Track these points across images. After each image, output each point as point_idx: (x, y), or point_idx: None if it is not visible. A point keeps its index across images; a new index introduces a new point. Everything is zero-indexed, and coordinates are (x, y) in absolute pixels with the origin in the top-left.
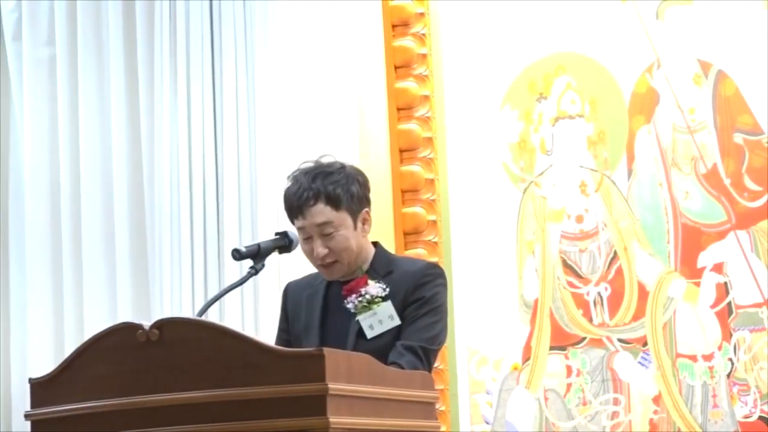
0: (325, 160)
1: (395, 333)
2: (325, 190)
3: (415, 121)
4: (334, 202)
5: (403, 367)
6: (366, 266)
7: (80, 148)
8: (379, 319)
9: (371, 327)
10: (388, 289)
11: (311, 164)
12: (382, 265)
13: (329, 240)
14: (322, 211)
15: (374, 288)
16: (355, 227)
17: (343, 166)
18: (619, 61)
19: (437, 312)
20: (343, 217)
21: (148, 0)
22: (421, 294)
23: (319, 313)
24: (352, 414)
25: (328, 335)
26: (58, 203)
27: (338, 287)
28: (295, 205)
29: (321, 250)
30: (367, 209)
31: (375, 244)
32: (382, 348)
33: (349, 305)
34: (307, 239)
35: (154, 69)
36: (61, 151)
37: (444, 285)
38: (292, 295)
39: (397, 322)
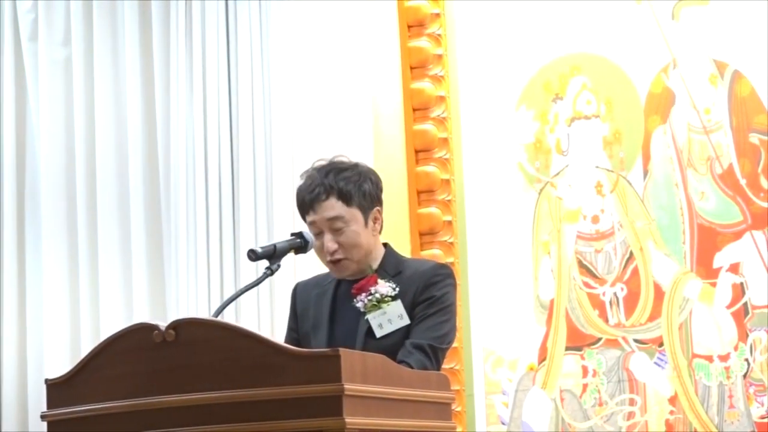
0: (338, 159)
1: (404, 332)
2: (337, 186)
3: (431, 122)
4: (346, 198)
5: (411, 366)
6: (376, 266)
7: (96, 148)
8: (389, 318)
9: (380, 326)
10: (397, 289)
11: (324, 162)
12: (392, 266)
13: (339, 235)
14: (333, 206)
15: (384, 287)
16: (366, 224)
17: (356, 164)
18: (634, 62)
19: (446, 311)
20: (354, 213)
21: (164, 0)
22: (430, 293)
23: (327, 312)
24: (368, 414)
25: (337, 334)
26: (74, 203)
27: (347, 287)
28: (307, 199)
29: (331, 244)
30: (378, 208)
31: (385, 245)
32: (392, 347)
33: (359, 304)
34: (318, 234)
35: (170, 69)
36: (77, 151)
37: (453, 285)
38: (301, 294)
39: (406, 321)
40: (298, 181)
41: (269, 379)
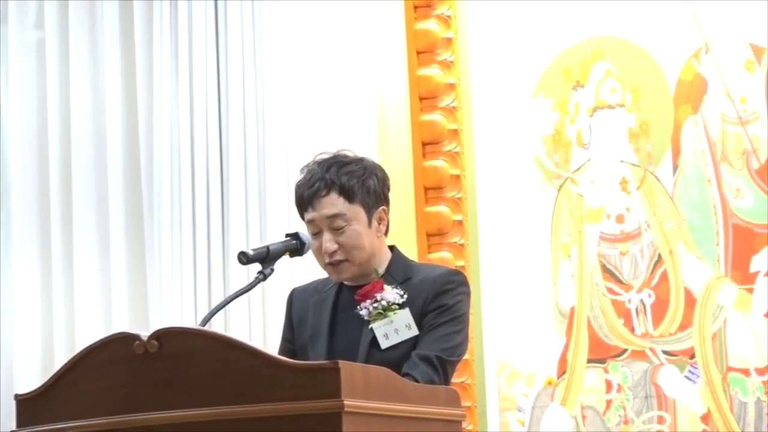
0: (342, 153)
1: (412, 344)
2: (339, 181)
3: (440, 112)
4: (348, 194)
5: (416, 379)
6: (381, 270)
7: (71, 141)
8: (395, 328)
9: (386, 336)
10: (406, 296)
11: (327, 155)
12: (400, 271)
13: (339, 234)
14: (333, 203)
15: (391, 294)
16: (369, 224)
17: (361, 159)
18: (663, 46)
19: (458, 321)
20: (357, 211)
21: None
22: (442, 302)
23: (327, 320)
24: None
25: (337, 345)
26: (47, 201)
27: (350, 294)
28: (306, 195)
29: (330, 245)
30: (384, 207)
31: (392, 248)
32: (397, 360)
33: (363, 312)
34: (317, 234)
35: (153, 53)
36: (50, 144)
37: (467, 294)
38: (298, 301)
39: (414, 332)
40: (295, 177)
41: (262, 395)
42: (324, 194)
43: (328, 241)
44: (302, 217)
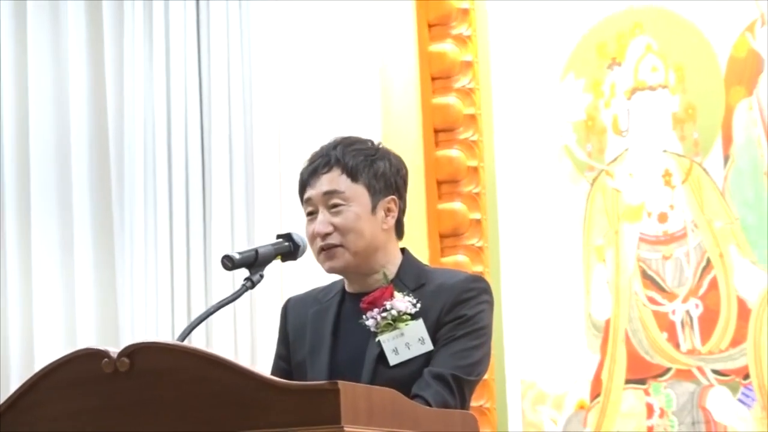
0: (357, 136)
1: (425, 361)
2: (343, 158)
3: (454, 94)
4: (351, 172)
5: (428, 402)
6: (390, 274)
7: (29, 131)
8: (406, 341)
9: (395, 351)
10: (419, 305)
11: (339, 137)
12: (412, 276)
13: (335, 215)
14: (333, 179)
15: (402, 302)
16: (373, 211)
17: (374, 141)
18: (712, 18)
19: (479, 335)
20: (359, 193)
21: None
22: (461, 312)
23: (329, 334)
24: None
25: (340, 362)
26: (2, 191)
27: (355, 303)
28: (306, 174)
29: (321, 226)
30: (394, 197)
31: (403, 251)
32: (407, 379)
33: (369, 322)
34: (312, 215)
35: (124, 27)
36: (4, 135)
37: (490, 303)
38: (294, 313)
39: (428, 347)
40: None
41: (249, 420)
42: (325, 171)
43: (322, 223)
44: (301, 200)
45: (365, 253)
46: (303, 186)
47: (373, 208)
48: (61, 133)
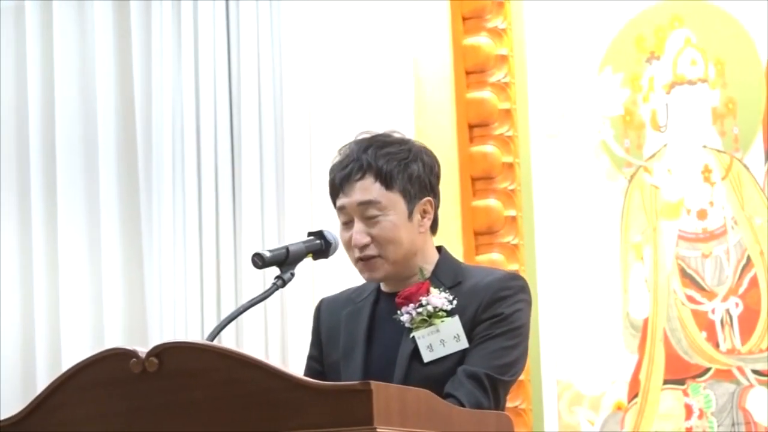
0: (387, 132)
1: (459, 359)
2: (376, 164)
3: (489, 89)
4: (386, 179)
5: (461, 402)
6: (428, 273)
7: (55, 119)
8: (441, 338)
9: (430, 348)
10: (455, 302)
11: (368, 135)
12: (449, 274)
13: (372, 225)
14: (367, 188)
15: (438, 298)
16: (410, 217)
17: (406, 140)
18: (753, 10)
19: (516, 334)
20: (395, 200)
21: None
22: (497, 310)
23: (363, 335)
24: None
25: (374, 362)
26: (28, 193)
27: (390, 303)
28: (338, 179)
29: (360, 237)
30: (429, 199)
31: (439, 249)
32: (442, 376)
33: (404, 317)
34: (347, 224)
35: (152, 12)
36: (30, 120)
37: (528, 302)
38: (327, 313)
39: (464, 344)
40: (318, 165)
41: (280, 421)
42: (358, 178)
43: (359, 233)
44: (334, 204)
45: (405, 260)
46: (335, 191)
47: (410, 214)
48: (88, 130)
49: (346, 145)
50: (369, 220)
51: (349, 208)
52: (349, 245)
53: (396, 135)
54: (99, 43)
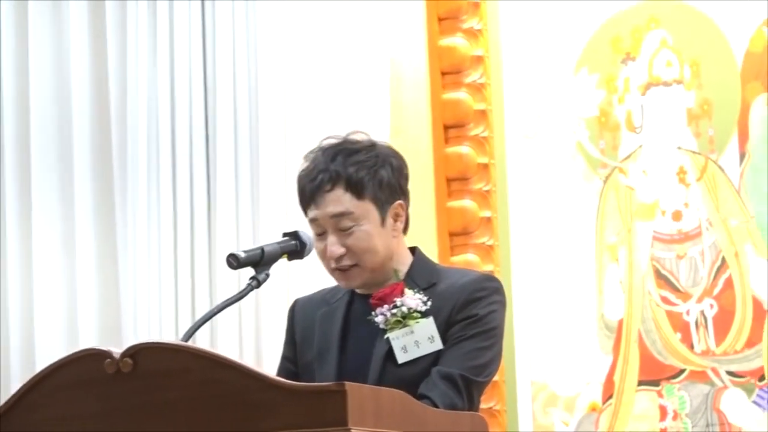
0: (353, 137)
1: (434, 360)
2: (345, 173)
3: (465, 89)
4: (356, 188)
5: (435, 403)
6: (403, 274)
7: (30, 117)
8: (416, 339)
9: (404, 349)
10: (429, 303)
11: (334, 140)
12: (424, 275)
13: (347, 236)
14: (339, 199)
15: (412, 299)
16: (383, 223)
17: (373, 144)
18: (728, 12)
19: (491, 335)
20: (367, 209)
21: None
22: (472, 312)
23: (337, 336)
24: None
25: (348, 363)
26: (2, 185)
27: (364, 304)
28: (308, 190)
29: (335, 248)
30: (401, 202)
31: (413, 250)
32: (416, 378)
33: (378, 318)
34: (321, 235)
35: (127, 20)
36: (4, 119)
37: (503, 303)
38: (302, 314)
39: (438, 345)
40: (294, 166)
41: (254, 422)
42: (328, 189)
43: (334, 245)
44: (305, 214)
45: (381, 266)
46: (305, 202)
47: (383, 221)
48: (62, 129)
49: (312, 151)
50: (343, 232)
51: (322, 221)
52: (324, 256)
53: (361, 138)
54: (74, 42)
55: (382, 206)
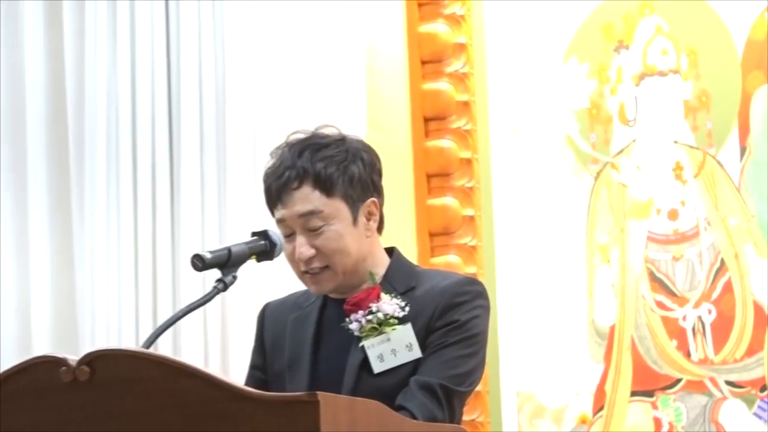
0: (322, 131)
1: (412, 370)
2: (313, 169)
3: (446, 79)
4: (325, 186)
5: (413, 415)
6: (378, 278)
7: None
8: (393, 347)
9: (380, 358)
10: (407, 309)
11: (302, 135)
12: (401, 279)
13: (316, 237)
14: (307, 197)
15: (389, 305)
16: (355, 222)
17: (342, 138)
18: None
19: (473, 342)
20: (337, 207)
21: None
22: (453, 317)
23: (310, 343)
24: None
25: (322, 373)
26: None
27: (338, 309)
28: (274, 188)
29: (304, 249)
30: (374, 199)
31: (391, 251)
32: (393, 388)
33: (353, 325)
34: (289, 237)
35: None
36: None
37: (486, 308)
38: (272, 319)
39: (416, 354)
40: (260, 162)
41: None
42: (295, 186)
43: (303, 246)
44: (272, 214)
45: (354, 269)
46: (272, 201)
47: (355, 219)
48: (16, 125)
49: (278, 147)
50: (312, 232)
51: (290, 221)
52: (292, 259)
53: (330, 132)
54: (28, 34)
55: (354, 204)
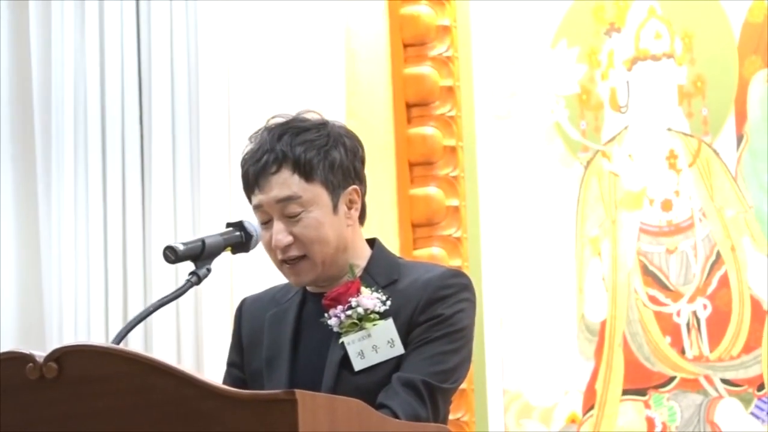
0: (303, 116)
1: (394, 366)
2: (292, 153)
3: (430, 63)
4: (304, 170)
5: (395, 413)
6: (359, 270)
7: None
8: (374, 344)
9: (361, 355)
10: (389, 303)
11: (281, 119)
12: (383, 271)
13: (294, 224)
14: (285, 182)
15: (369, 299)
16: (335, 210)
17: (324, 123)
18: None
19: (458, 338)
20: (317, 193)
21: None
22: (437, 311)
23: (289, 339)
24: None
25: (301, 371)
26: None
27: (317, 304)
28: (252, 173)
29: (281, 236)
30: (355, 187)
31: (372, 242)
32: (375, 386)
33: (332, 321)
34: (266, 224)
35: None
36: None
37: (471, 302)
38: (249, 315)
39: (399, 350)
40: (234, 149)
41: None
42: (274, 171)
43: (280, 233)
44: (249, 200)
45: (333, 259)
46: (249, 186)
47: (335, 207)
48: None
49: (257, 131)
50: (290, 219)
51: (267, 206)
52: (270, 247)
53: (312, 116)
54: None
55: (334, 191)
